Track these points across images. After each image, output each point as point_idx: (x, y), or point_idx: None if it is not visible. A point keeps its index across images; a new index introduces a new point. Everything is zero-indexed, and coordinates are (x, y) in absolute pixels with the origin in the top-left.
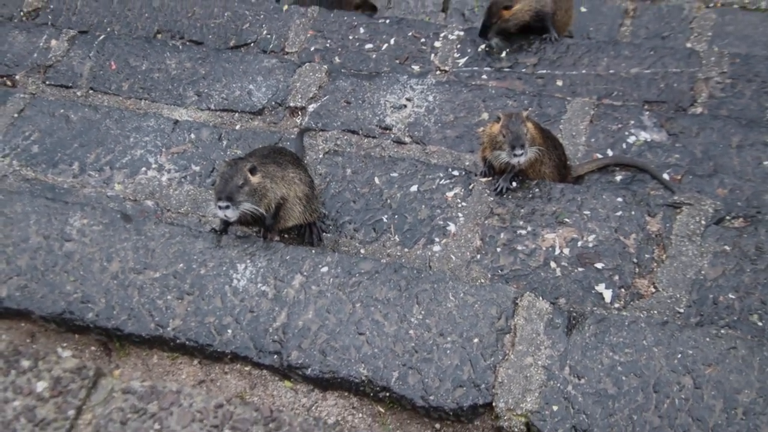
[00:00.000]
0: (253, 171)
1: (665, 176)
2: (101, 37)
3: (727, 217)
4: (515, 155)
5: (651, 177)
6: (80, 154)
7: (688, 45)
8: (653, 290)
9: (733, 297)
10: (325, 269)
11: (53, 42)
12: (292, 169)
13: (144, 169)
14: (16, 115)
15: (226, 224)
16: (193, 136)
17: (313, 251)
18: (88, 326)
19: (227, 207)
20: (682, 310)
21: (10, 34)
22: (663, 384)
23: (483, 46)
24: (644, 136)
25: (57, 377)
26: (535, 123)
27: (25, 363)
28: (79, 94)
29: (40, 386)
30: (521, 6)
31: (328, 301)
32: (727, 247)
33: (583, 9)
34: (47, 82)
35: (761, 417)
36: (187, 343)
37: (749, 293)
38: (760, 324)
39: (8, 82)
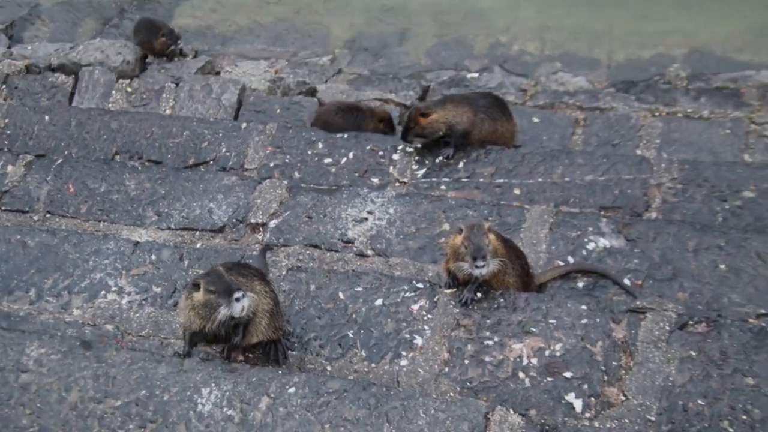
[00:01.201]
0: None
1: (626, 281)
2: (59, 161)
3: (690, 322)
4: (477, 267)
5: (613, 283)
6: (37, 279)
7: (638, 152)
8: (623, 398)
9: (702, 403)
10: (292, 390)
11: (9, 167)
12: (258, 282)
13: (103, 292)
14: None
15: (191, 346)
16: (153, 257)
17: (280, 372)
18: None
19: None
20: (653, 419)
21: None
22: None
23: (441, 158)
24: (603, 242)
25: None
26: (496, 234)
27: None
28: (36, 218)
29: None
30: (437, 117)
31: (297, 422)
32: (692, 353)
33: (535, 119)
34: (3, 208)
35: None
36: None
37: (718, 399)
38: (731, 430)
39: None
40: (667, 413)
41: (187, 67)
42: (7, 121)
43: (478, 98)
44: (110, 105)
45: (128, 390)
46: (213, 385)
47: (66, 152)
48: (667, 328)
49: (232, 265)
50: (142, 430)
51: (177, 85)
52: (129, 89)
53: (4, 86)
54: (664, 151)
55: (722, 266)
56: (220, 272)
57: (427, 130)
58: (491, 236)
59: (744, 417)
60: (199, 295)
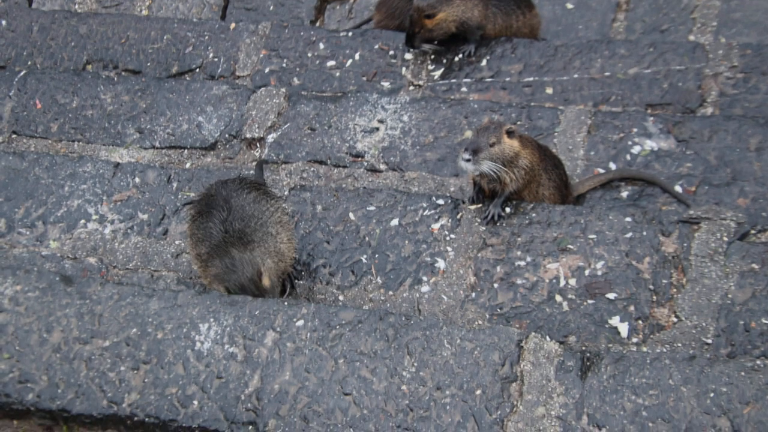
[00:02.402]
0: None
1: (678, 188)
2: (21, 73)
3: (752, 231)
4: (462, 159)
5: (662, 190)
6: (7, 209)
7: (691, 38)
8: (675, 320)
9: (767, 322)
10: (300, 323)
11: None
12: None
13: (83, 221)
14: None
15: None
16: (137, 179)
17: (286, 303)
18: (29, 409)
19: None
20: (710, 341)
21: None
22: (696, 428)
23: (461, 55)
24: (650, 144)
25: None
26: (524, 138)
27: None
28: (0, 139)
29: None
30: (445, 15)
31: (307, 358)
32: (755, 266)
33: (569, 5)
34: None
35: None
36: (146, 419)
37: None
38: None
39: None
40: (726, 334)
41: None
42: None
43: None
44: (77, 6)
45: (117, 329)
46: (212, 320)
47: (29, 62)
48: (725, 239)
49: (231, 186)
50: (135, 372)
51: None
52: None
53: None
54: (723, 34)
55: None
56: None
57: (435, 32)
58: (510, 140)
59: None
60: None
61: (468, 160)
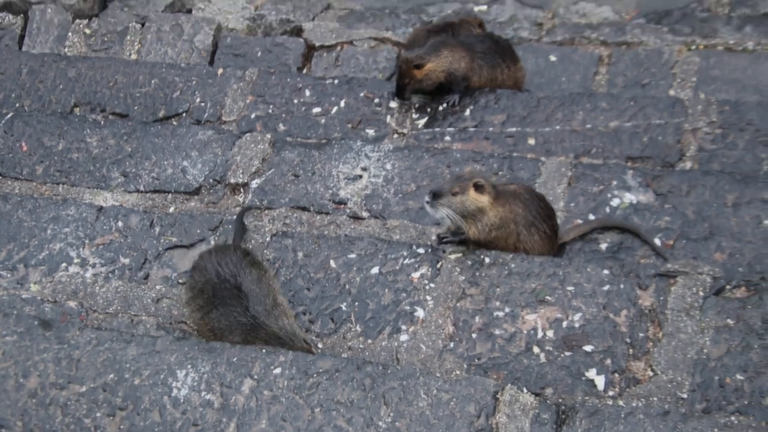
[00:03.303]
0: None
1: (657, 242)
2: (9, 115)
3: (728, 287)
4: (426, 201)
5: (641, 242)
6: None
7: (672, 93)
8: (651, 374)
9: (742, 378)
10: (278, 370)
11: None
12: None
13: (64, 264)
14: None
15: None
16: (120, 223)
17: (264, 350)
18: None
19: None
20: (685, 396)
21: None
22: None
23: (445, 105)
24: (629, 197)
25: None
26: (506, 193)
27: None
28: None
29: None
30: (433, 66)
31: (283, 407)
32: (730, 321)
33: (552, 58)
34: None
35: None
36: None
37: (759, 373)
38: None
39: None
40: (701, 389)
41: (153, 5)
42: None
43: (475, 42)
44: (66, 50)
45: (94, 374)
46: (189, 366)
47: (17, 105)
48: (701, 293)
49: (230, 267)
50: (111, 418)
51: (143, 25)
52: (88, 31)
53: None
54: (702, 90)
55: (766, 222)
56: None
57: (424, 83)
58: (477, 194)
59: None
60: None
61: (428, 203)
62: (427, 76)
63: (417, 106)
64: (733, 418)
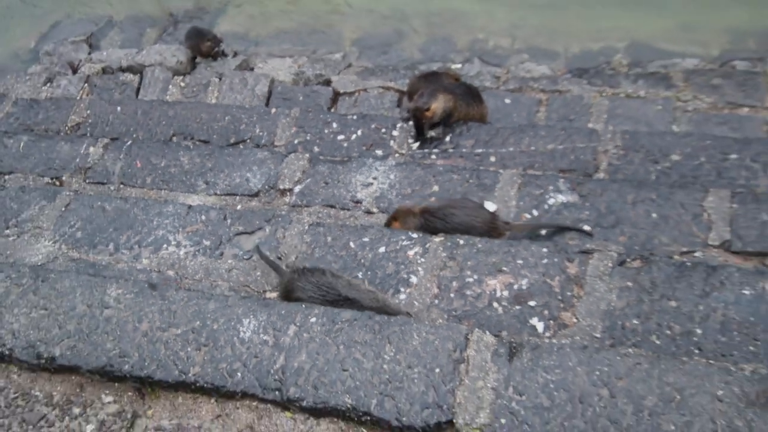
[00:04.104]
0: None
1: (586, 228)
2: (128, 143)
3: (628, 260)
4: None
5: (570, 230)
6: (114, 236)
7: (590, 125)
8: (575, 321)
9: (637, 322)
10: (314, 319)
11: (91, 149)
12: None
13: (165, 246)
14: (63, 209)
15: None
16: (203, 217)
17: (304, 306)
18: (125, 376)
19: None
20: (598, 336)
21: (58, 145)
22: (586, 396)
23: (432, 134)
24: (561, 198)
25: (102, 420)
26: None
27: (76, 410)
28: (112, 188)
29: (89, 429)
30: (436, 106)
31: (317, 345)
32: (629, 283)
33: (507, 100)
34: (87, 181)
35: (662, 416)
36: (205, 385)
37: (648, 318)
38: (657, 342)
39: (57, 183)
40: (609, 331)
41: (228, 65)
42: (89, 112)
43: (455, 88)
44: (168, 97)
45: (186, 321)
46: (252, 316)
47: (134, 135)
48: (610, 264)
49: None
50: (198, 351)
51: (220, 79)
52: (182, 84)
53: (86, 84)
54: (610, 124)
55: (654, 215)
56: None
57: (433, 120)
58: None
59: (668, 332)
60: None
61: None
62: (434, 115)
63: (411, 133)
64: (630, 350)
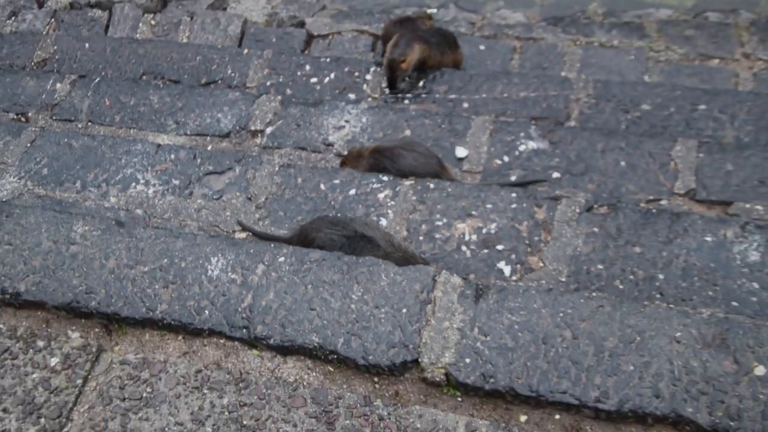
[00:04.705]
0: None
1: (555, 175)
2: (97, 80)
3: (595, 206)
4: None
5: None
6: (81, 174)
7: (563, 74)
8: (542, 265)
9: (601, 267)
10: (282, 259)
11: (58, 85)
12: None
13: (134, 184)
14: (29, 145)
15: None
16: (173, 156)
17: (272, 245)
18: (92, 312)
19: None
20: (563, 280)
21: (23, 80)
22: (549, 337)
23: (403, 85)
24: (532, 144)
25: (66, 353)
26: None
27: (41, 343)
28: (79, 126)
29: (53, 361)
30: (411, 57)
31: (285, 284)
32: (595, 229)
33: (481, 47)
34: (54, 118)
35: (621, 357)
36: (172, 322)
37: (612, 264)
38: (621, 287)
39: (22, 119)
40: (574, 275)
41: (200, 4)
42: (55, 47)
43: (429, 36)
44: (138, 35)
45: (153, 259)
46: (220, 255)
47: (103, 73)
48: (578, 210)
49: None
50: (165, 289)
51: (191, 18)
52: (153, 22)
53: (52, 20)
54: (583, 72)
55: (623, 163)
56: None
57: (408, 71)
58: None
59: (631, 277)
60: None
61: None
62: (408, 66)
63: (401, 87)
64: (594, 294)
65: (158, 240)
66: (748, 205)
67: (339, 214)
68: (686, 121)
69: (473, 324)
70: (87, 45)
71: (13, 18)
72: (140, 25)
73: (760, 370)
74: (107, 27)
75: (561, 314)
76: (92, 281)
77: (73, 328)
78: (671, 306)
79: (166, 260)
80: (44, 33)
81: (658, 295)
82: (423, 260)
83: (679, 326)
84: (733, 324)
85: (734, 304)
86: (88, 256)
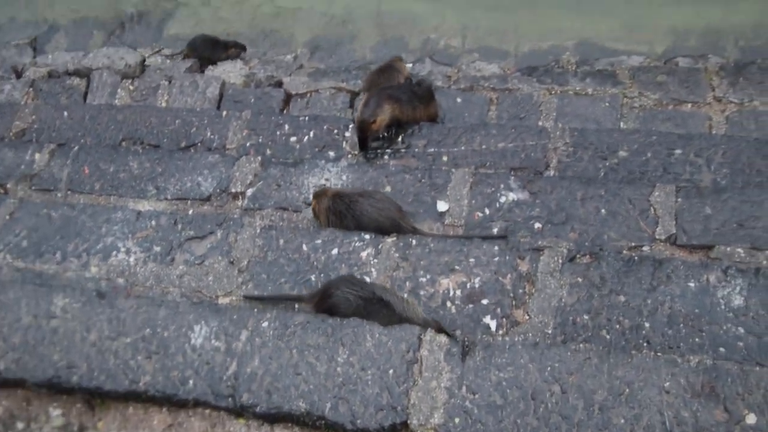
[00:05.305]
0: None
1: (537, 226)
2: (76, 148)
3: (578, 256)
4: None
5: (520, 227)
6: (62, 244)
7: (539, 123)
8: (527, 318)
9: (587, 318)
10: (266, 324)
11: (37, 155)
12: None
13: (115, 253)
14: (7, 218)
15: None
16: (153, 222)
17: (255, 310)
18: (74, 388)
19: None
20: (550, 332)
21: (1, 151)
22: (538, 392)
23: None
24: (512, 196)
25: None
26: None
27: (20, 425)
28: (59, 195)
29: None
30: (382, 118)
31: (270, 349)
32: (579, 279)
33: (458, 100)
34: (33, 188)
35: (612, 410)
36: (156, 394)
37: (598, 314)
38: (607, 337)
39: (1, 191)
40: (560, 327)
41: (177, 68)
42: (34, 117)
43: (400, 93)
44: (117, 101)
45: (136, 329)
46: (203, 322)
47: (82, 141)
48: (560, 261)
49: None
50: (148, 360)
51: (170, 82)
52: (131, 87)
53: (31, 89)
54: (559, 121)
55: (603, 211)
56: None
57: (379, 131)
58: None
59: (617, 326)
60: None
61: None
62: (379, 127)
63: (372, 146)
64: (581, 345)
65: (140, 310)
66: (729, 249)
67: (357, 278)
68: (663, 166)
69: (461, 382)
70: (66, 113)
71: None
72: (119, 90)
73: (751, 419)
74: (86, 94)
75: (549, 368)
76: (74, 355)
77: (55, 404)
78: (659, 354)
79: (148, 330)
80: (22, 103)
81: (645, 344)
82: (437, 326)
83: (667, 376)
84: (721, 371)
85: (721, 350)
86: (69, 329)
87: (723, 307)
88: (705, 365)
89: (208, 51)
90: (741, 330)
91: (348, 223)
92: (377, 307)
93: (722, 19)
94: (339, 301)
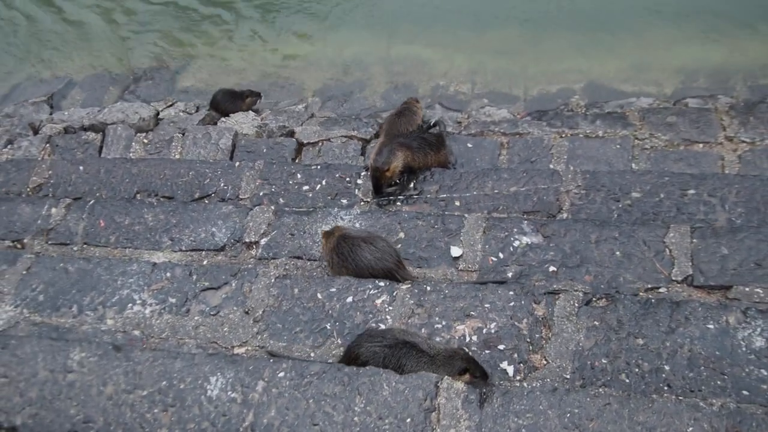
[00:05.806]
0: None
1: (552, 269)
2: (91, 202)
3: (594, 299)
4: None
5: (535, 270)
6: (78, 298)
7: (551, 166)
8: (545, 362)
9: (605, 361)
10: (282, 374)
11: (53, 210)
12: None
13: (130, 305)
14: (24, 272)
15: None
16: (168, 274)
17: (272, 360)
18: None
19: None
20: (568, 377)
21: (19, 207)
22: None
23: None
24: (526, 239)
25: None
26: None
27: None
28: (75, 249)
29: None
30: (396, 165)
31: (287, 400)
32: (596, 323)
33: (469, 145)
34: (49, 242)
35: None
36: None
37: (616, 357)
38: (627, 381)
39: (18, 246)
40: (578, 371)
41: (190, 120)
42: (50, 172)
43: (411, 141)
44: (131, 154)
45: (152, 382)
46: (219, 373)
47: (97, 194)
48: (576, 304)
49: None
50: (165, 413)
51: (183, 134)
52: (146, 141)
53: (47, 145)
54: (571, 164)
55: (617, 253)
56: None
57: (392, 178)
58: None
59: (636, 370)
60: None
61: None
62: (393, 174)
63: (393, 191)
64: (600, 390)
65: (156, 362)
66: (747, 289)
67: (376, 327)
68: (677, 207)
69: (479, 430)
70: (81, 168)
71: (8, 146)
72: (133, 144)
73: None
74: (101, 148)
75: (568, 414)
76: (90, 409)
77: None
78: (680, 398)
79: (164, 382)
80: (39, 158)
81: (665, 387)
82: (465, 354)
83: (690, 420)
84: (746, 415)
85: (744, 392)
86: (86, 383)
87: (744, 348)
88: (728, 409)
89: (229, 104)
90: (764, 372)
91: (349, 265)
92: (405, 350)
93: (730, 59)
94: (368, 358)
